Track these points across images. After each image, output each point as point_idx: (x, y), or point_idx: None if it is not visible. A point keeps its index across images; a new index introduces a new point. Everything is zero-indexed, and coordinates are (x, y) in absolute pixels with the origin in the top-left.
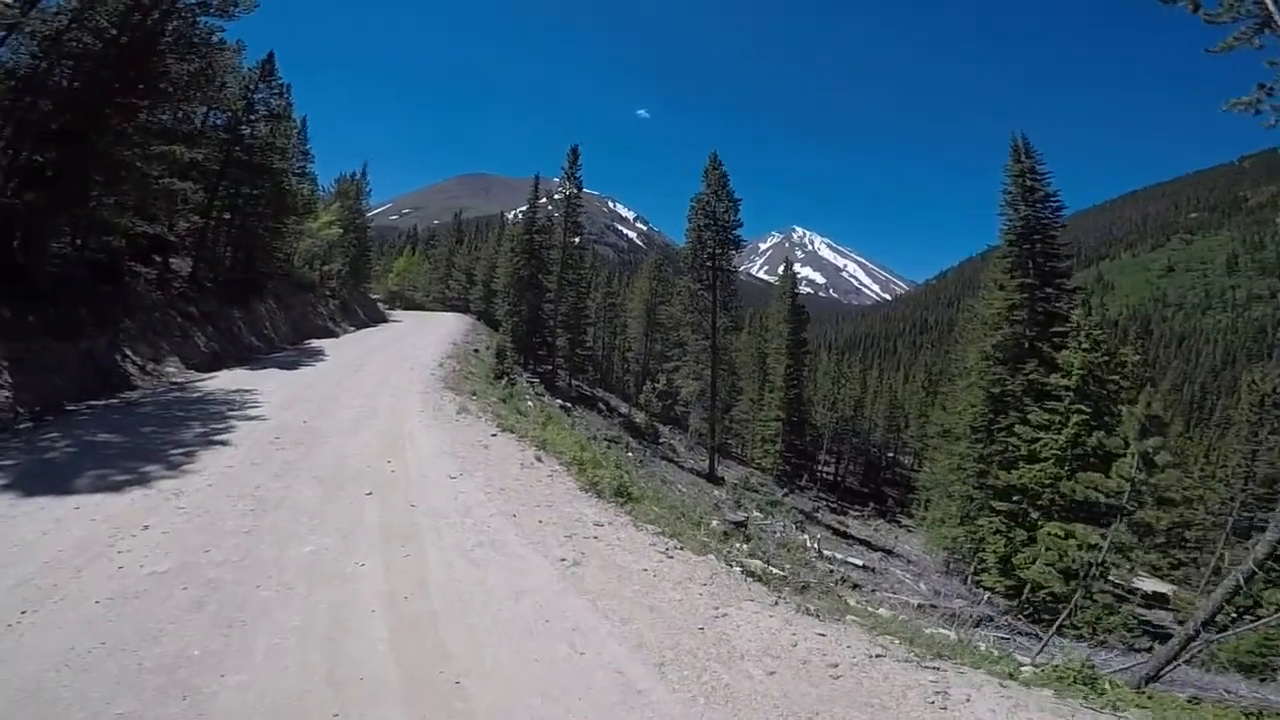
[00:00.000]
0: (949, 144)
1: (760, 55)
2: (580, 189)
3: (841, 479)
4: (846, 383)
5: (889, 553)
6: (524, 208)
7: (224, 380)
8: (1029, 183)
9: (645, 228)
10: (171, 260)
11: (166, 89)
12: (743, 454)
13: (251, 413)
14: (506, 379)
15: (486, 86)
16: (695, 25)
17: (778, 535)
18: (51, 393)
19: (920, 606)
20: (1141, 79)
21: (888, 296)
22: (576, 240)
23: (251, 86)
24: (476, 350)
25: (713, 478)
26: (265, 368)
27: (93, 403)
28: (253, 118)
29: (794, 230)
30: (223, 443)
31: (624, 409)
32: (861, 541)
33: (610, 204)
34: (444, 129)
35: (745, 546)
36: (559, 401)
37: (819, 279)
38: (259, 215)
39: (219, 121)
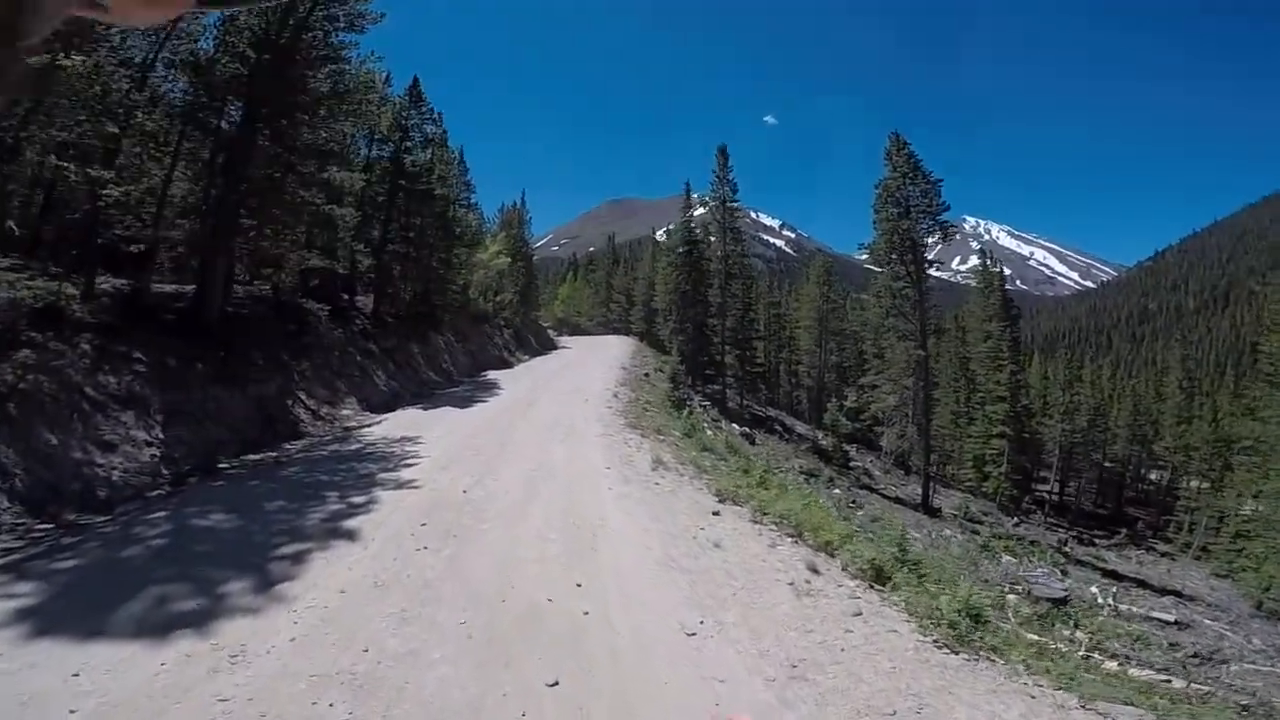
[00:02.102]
0: (1142, 114)
1: (889, 39)
2: (735, 191)
3: (1073, 501)
4: (1082, 387)
5: (1178, 595)
6: (672, 225)
7: (393, 424)
8: None
9: (793, 235)
10: (358, 298)
11: (305, 100)
12: (943, 474)
13: (405, 473)
14: (686, 408)
15: (623, 113)
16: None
17: (1102, 611)
18: (208, 447)
19: None
20: None
21: (1090, 284)
22: (738, 248)
23: (404, 113)
24: (647, 374)
25: (928, 509)
26: (439, 405)
27: (250, 457)
28: (409, 144)
29: (964, 221)
30: (351, 534)
31: (801, 429)
32: (1136, 581)
33: (753, 214)
34: (586, 158)
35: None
36: (735, 427)
37: (993, 270)
38: (430, 245)
39: (383, 154)
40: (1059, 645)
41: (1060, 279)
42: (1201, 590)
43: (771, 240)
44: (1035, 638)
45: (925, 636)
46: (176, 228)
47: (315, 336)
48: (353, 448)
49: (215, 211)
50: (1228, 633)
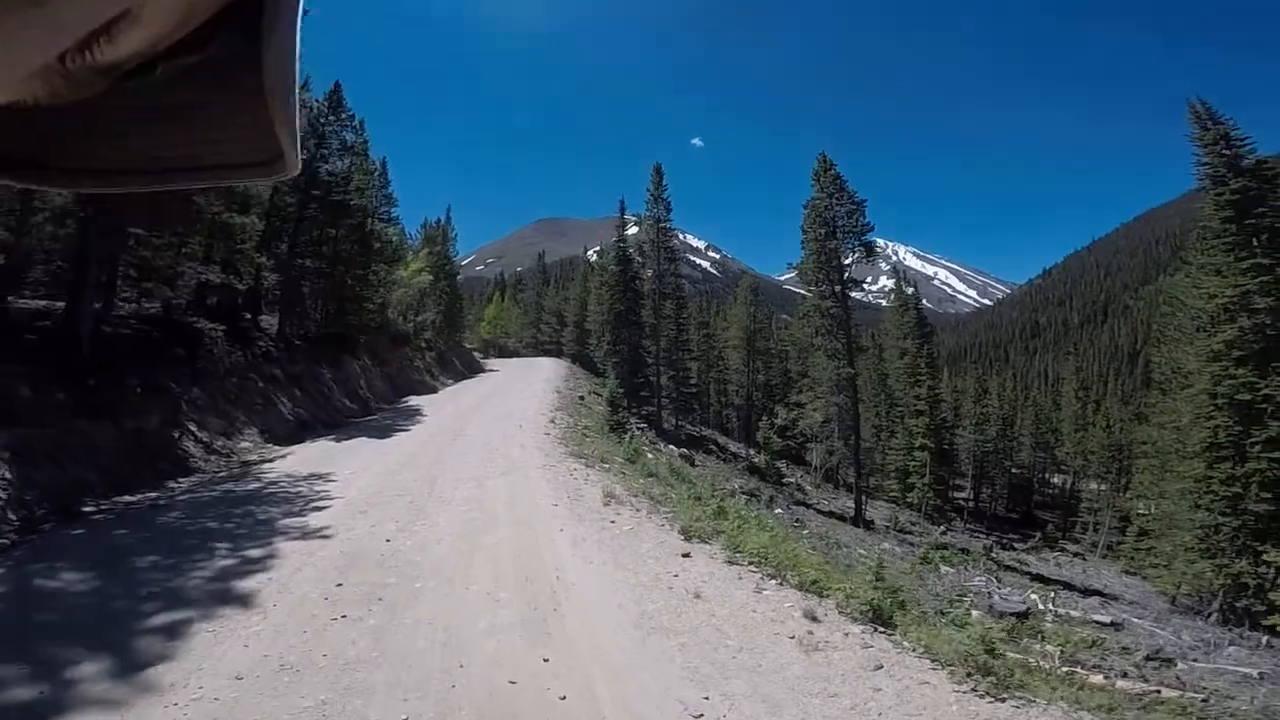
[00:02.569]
0: (1034, 136)
1: (806, 70)
2: (669, 210)
3: (987, 506)
4: (990, 400)
5: (1100, 594)
6: (602, 245)
7: (301, 458)
8: (1229, 149)
9: (718, 256)
10: (262, 317)
11: None
12: (868, 486)
13: (315, 519)
14: (626, 433)
15: (549, 132)
16: (741, 42)
17: (1045, 618)
18: (67, 489)
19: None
20: (1253, 48)
21: (988, 301)
22: (671, 268)
23: (320, 118)
24: (582, 397)
25: (860, 521)
26: (355, 436)
27: (124, 499)
28: (325, 152)
29: (874, 242)
30: (246, 598)
31: (733, 447)
32: (1061, 584)
33: (680, 234)
34: (514, 178)
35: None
36: (673, 448)
37: (906, 290)
38: (345, 260)
39: None
40: (1039, 662)
41: (960, 297)
42: (1117, 588)
43: (698, 261)
44: (1018, 656)
45: (961, 686)
46: (45, 235)
47: (210, 361)
48: (250, 487)
49: (93, 217)
50: (1158, 631)
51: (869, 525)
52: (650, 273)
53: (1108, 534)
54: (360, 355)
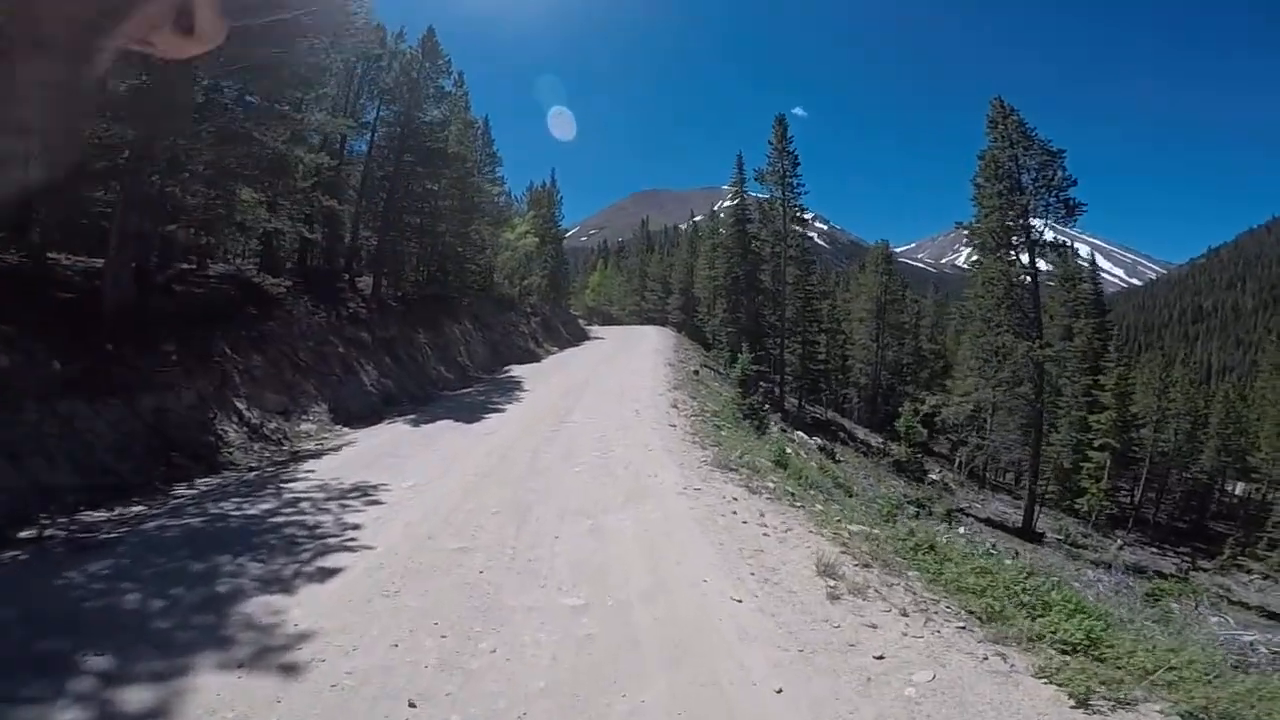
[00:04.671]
0: (1193, 113)
1: (935, 31)
2: (796, 164)
3: (1150, 514)
4: (1175, 394)
5: None
6: (699, 217)
7: (361, 450)
8: None
9: (826, 227)
10: (359, 279)
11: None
12: (1013, 485)
13: (300, 612)
14: (759, 420)
15: (650, 105)
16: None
17: None
18: (19, 501)
19: None
20: None
21: (1137, 281)
22: (799, 229)
23: (414, 66)
24: (696, 371)
25: (1029, 534)
26: (440, 416)
27: (93, 515)
28: (420, 98)
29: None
30: None
31: (860, 434)
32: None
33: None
34: (613, 151)
35: None
36: (802, 436)
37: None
38: (444, 215)
39: (386, 114)
40: None
41: (1106, 276)
42: None
43: (805, 233)
44: None
45: None
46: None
47: (283, 323)
48: (261, 507)
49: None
50: None
51: (1039, 538)
52: (775, 233)
53: None
54: (461, 319)
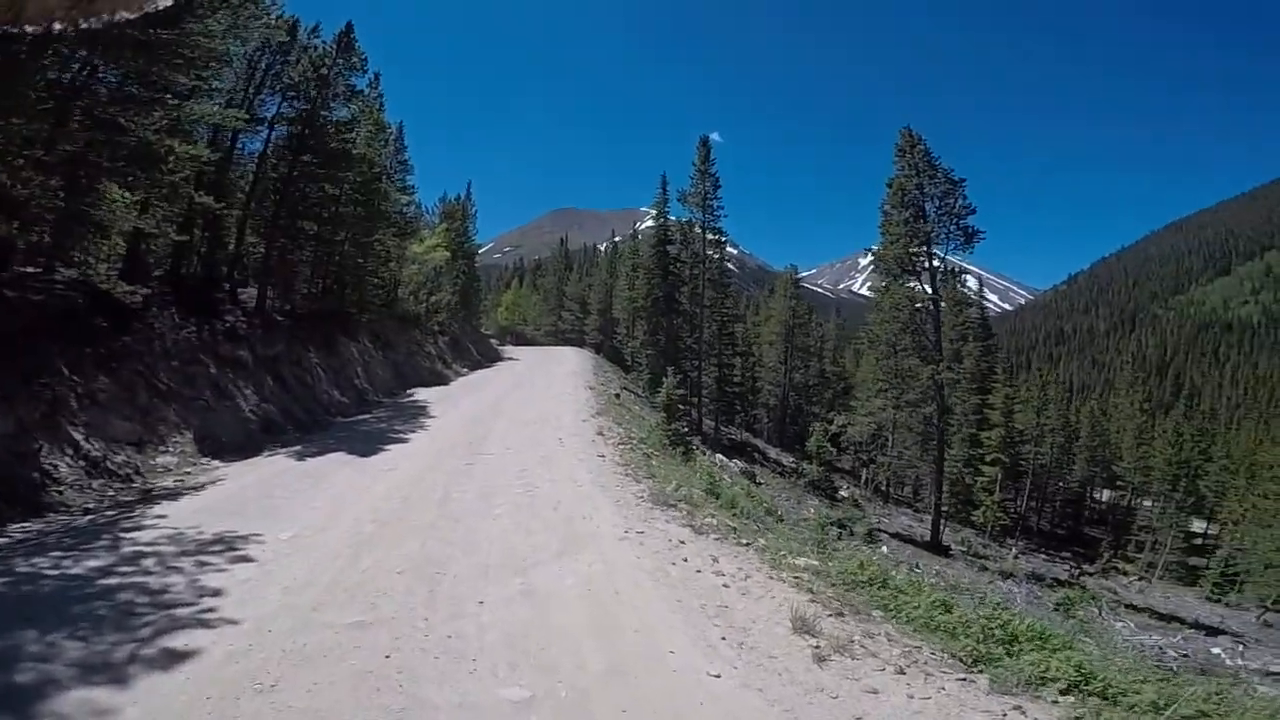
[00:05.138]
0: (1061, 141)
1: (821, 67)
2: (717, 186)
3: (1034, 523)
4: (1049, 412)
5: (1222, 632)
6: (619, 237)
7: (232, 489)
8: None
9: (735, 251)
10: (243, 290)
11: None
12: (912, 500)
13: (184, 670)
14: (683, 446)
15: (564, 121)
16: (761, 34)
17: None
18: None
19: None
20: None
21: (1008, 306)
22: (718, 253)
23: (325, 61)
24: (617, 395)
25: (937, 547)
26: (332, 448)
27: None
28: (329, 96)
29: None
30: None
31: (773, 454)
32: (1166, 617)
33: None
34: (531, 167)
35: None
36: (722, 459)
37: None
38: (345, 221)
39: (288, 111)
40: None
41: (983, 301)
42: (1219, 620)
43: (724, 256)
44: None
45: None
46: None
47: (141, 338)
48: (92, 563)
49: None
50: None
51: (944, 551)
52: (692, 256)
53: (1167, 554)
54: (360, 337)
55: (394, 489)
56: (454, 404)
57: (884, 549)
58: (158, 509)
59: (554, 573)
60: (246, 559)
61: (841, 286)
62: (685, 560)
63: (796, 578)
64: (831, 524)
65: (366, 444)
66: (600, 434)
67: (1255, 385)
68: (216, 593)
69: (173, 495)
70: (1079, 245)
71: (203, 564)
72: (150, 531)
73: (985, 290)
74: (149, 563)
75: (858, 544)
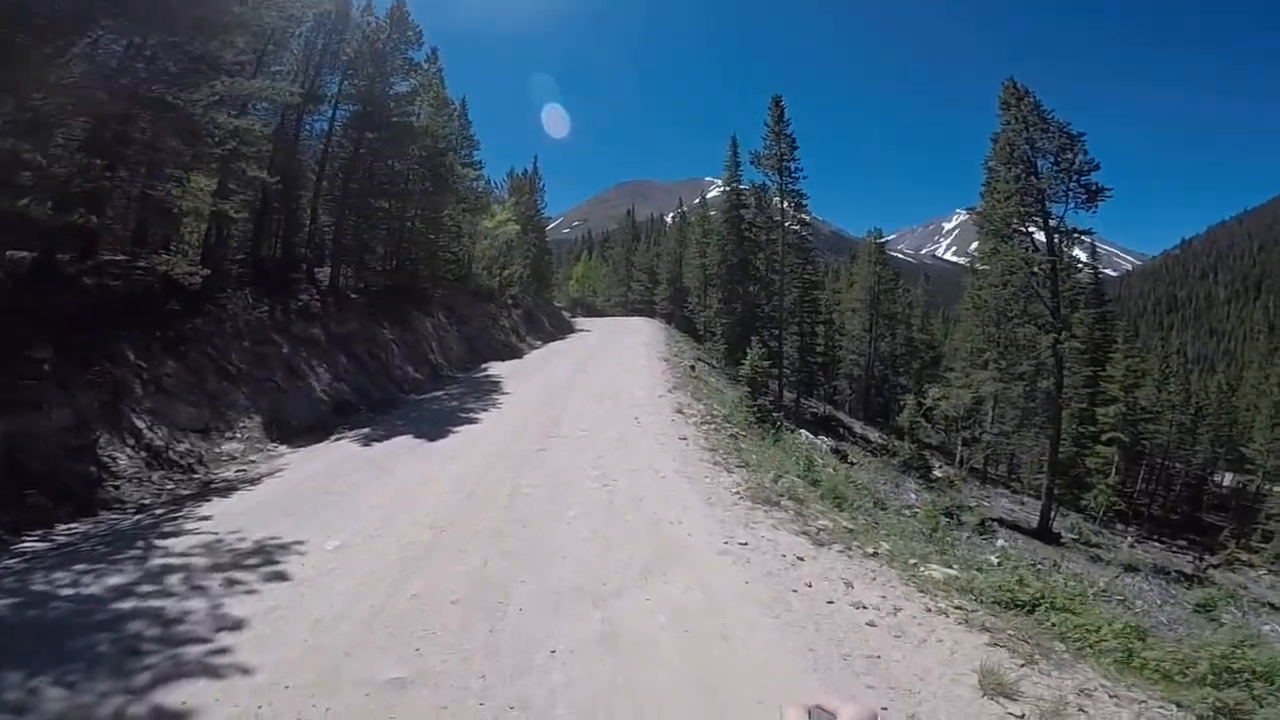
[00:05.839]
0: (1165, 104)
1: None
2: (794, 146)
3: (1144, 507)
4: (1173, 387)
5: None
6: (685, 209)
7: (291, 481)
8: None
9: (808, 218)
10: (318, 270)
11: None
12: (1008, 479)
13: None
14: (772, 425)
15: (634, 94)
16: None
17: None
18: None
19: None
20: None
21: (1111, 273)
22: (797, 215)
23: (379, 35)
24: (692, 366)
25: (1047, 534)
26: (399, 431)
27: None
28: (386, 70)
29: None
30: None
31: (858, 429)
32: None
33: (775, 191)
34: (596, 142)
35: None
36: (808, 435)
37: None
38: (412, 197)
39: (349, 89)
40: None
41: (1083, 268)
42: None
43: (804, 218)
44: None
45: None
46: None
47: (212, 320)
48: (113, 580)
49: None
50: None
51: (1055, 539)
52: (772, 219)
53: None
54: (434, 312)
55: (459, 482)
56: (527, 378)
57: (1000, 541)
58: (207, 507)
59: (641, 604)
60: (282, 577)
61: (924, 251)
62: (809, 585)
63: (958, 607)
64: (940, 512)
65: (435, 425)
66: (679, 411)
67: None
68: (238, 625)
69: (228, 489)
70: (1194, 213)
71: (232, 583)
72: (189, 538)
73: (1083, 255)
74: (174, 580)
75: (969, 535)
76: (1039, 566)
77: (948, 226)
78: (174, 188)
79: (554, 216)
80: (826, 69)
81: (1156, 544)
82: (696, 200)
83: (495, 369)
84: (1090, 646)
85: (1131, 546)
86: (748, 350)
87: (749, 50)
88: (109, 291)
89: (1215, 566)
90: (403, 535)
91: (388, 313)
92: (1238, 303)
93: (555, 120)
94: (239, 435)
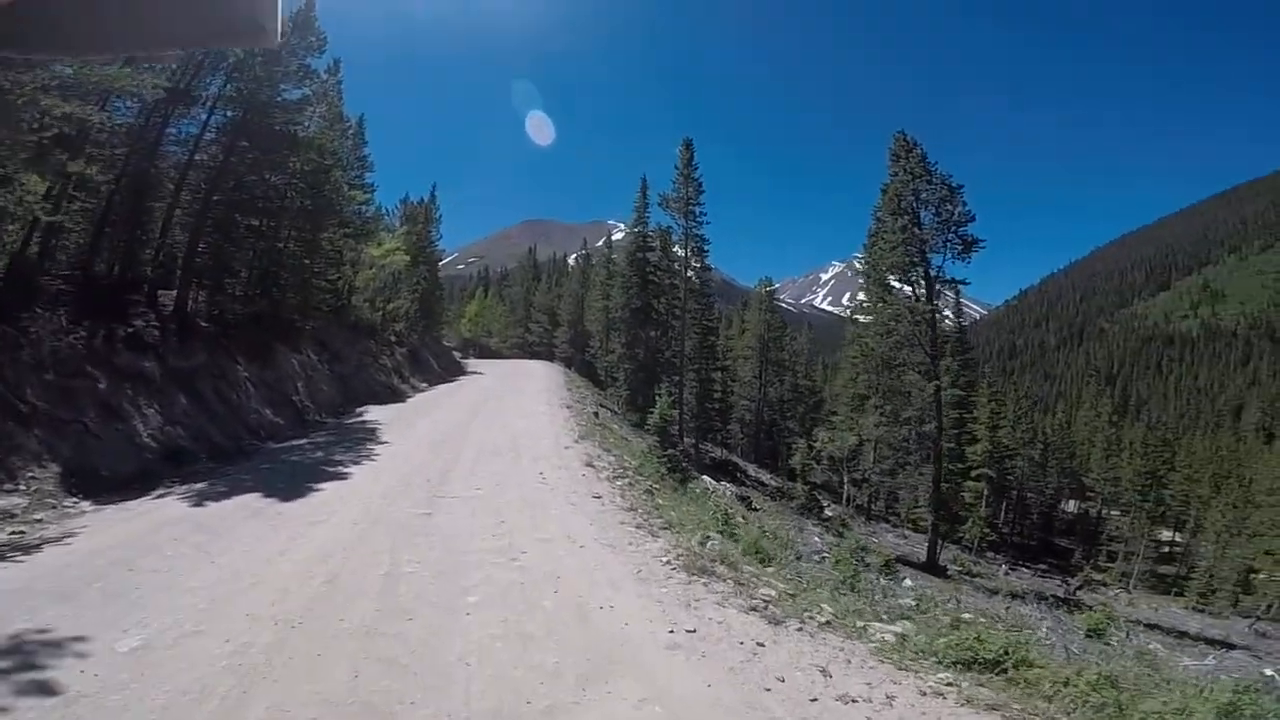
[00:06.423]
0: (1010, 152)
1: (774, 85)
2: (700, 190)
3: (1005, 535)
4: (1028, 424)
5: (1222, 644)
6: (587, 250)
7: (77, 553)
8: None
9: (708, 263)
10: (161, 292)
11: None
12: (886, 515)
13: None
14: (680, 473)
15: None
16: (723, 48)
17: None
18: None
19: None
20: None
21: (964, 321)
22: (700, 261)
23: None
24: (596, 414)
25: (934, 568)
26: (240, 488)
27: None
28: (278, 72)
29: (855, 258)
30: None
31: (753, 471)
32: (1171, 632)
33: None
34: (496, 177)
35: None
36: (711, 481)
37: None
38: (286, 214)
39: (230, 91)
40: None
41: (961, 311)
42: (1211, 630)
43: (705, 264)
44: None
45: None
46: None
47: (5, 344)
48: None
49: None
50: None
51: (940, 571)
52: (667, 265)
53: (1140, 563)
54: (303, 347)
55: (318, 557)
56: (410, 425)
57: (907, 580)
58: None
59: None
60: (46, 690)
61: (804, 301)
62: (782, 681)
63: (950, 684)
64: (851, 558)
65: (293, 481)
66: (589, 464)
67: (1198, 396)
68: None
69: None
70: (1032, 260)
71: None
72: None
73: (941, 304)
74: None
75: (876, 577)
76: (946, 604)
77: (824, 277)
78: None
79: (450, 251)
80: (733, 117)
81: (1025, 569)
82: (600, 242)
83: (374, 413)
84: (1076, 703)
85: (1006, 574)
86: (656, 397)
87: (661, 92)
88: None
89: (1079, 588)
90: (235, 632)
91: (246, 345)
92: (1065, 349)
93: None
94: (24, 488)
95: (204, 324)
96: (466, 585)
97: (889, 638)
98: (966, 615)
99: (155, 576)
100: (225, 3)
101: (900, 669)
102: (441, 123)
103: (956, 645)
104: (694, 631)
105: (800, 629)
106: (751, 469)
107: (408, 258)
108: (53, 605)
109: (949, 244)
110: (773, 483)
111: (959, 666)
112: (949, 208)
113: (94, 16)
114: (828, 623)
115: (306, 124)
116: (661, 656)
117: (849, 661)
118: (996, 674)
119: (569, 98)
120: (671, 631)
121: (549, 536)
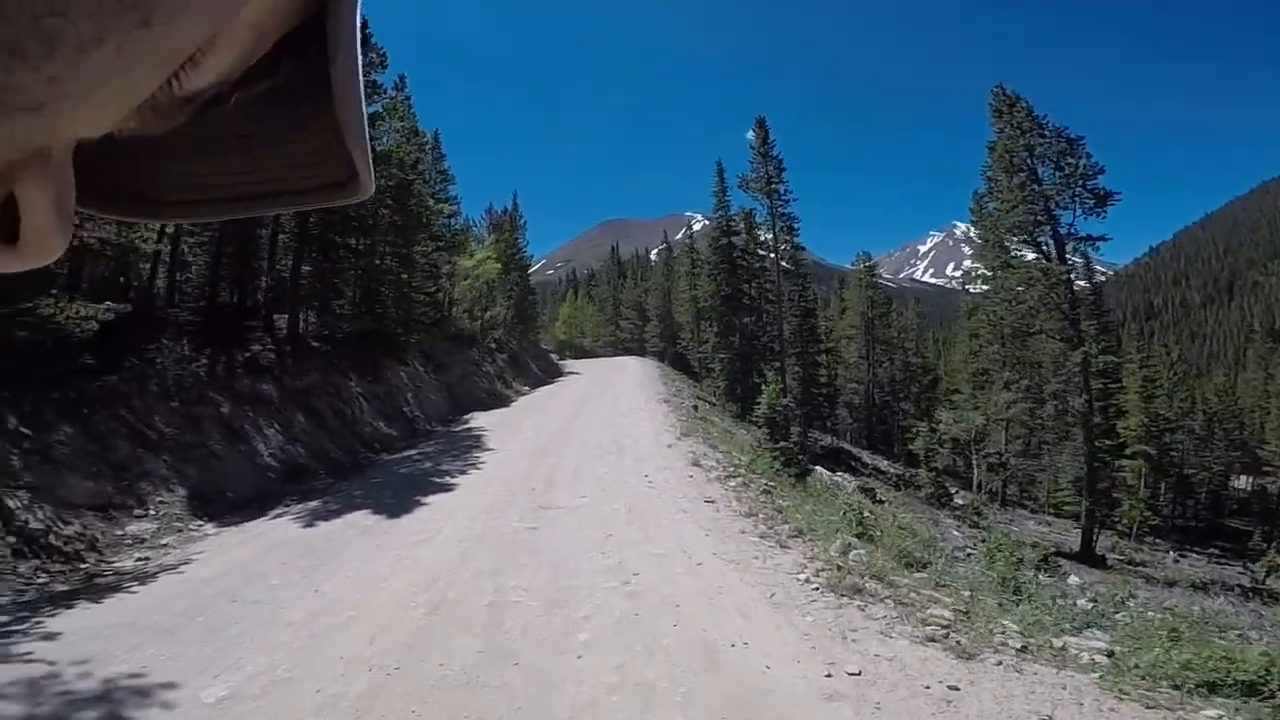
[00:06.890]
0: (1134, 115)
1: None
2: (781, 169)
3: (1168, 517)
4: (1187, 395)
5: None
6: (662, 245)
7: (185, 583)
8: None
9: (800, 241)
10: (278, 317)
11: None
12: (1021, 500)
13: None
14: (798, 467)
15: (609, 135)
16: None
17: None
18: None
19: None
20: None
21: (1085, 284)
22: (790, 239)
23: None
24: (695, 407)
25: (1091, 558)
26: (351, 505)
27: None
28: None
29: (955, 226)
30: None
31: (868, 458)
32: None
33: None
34: (574, 180)
35: None
36: (826, 473)
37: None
38: (377, 230)
39: None
40: None
41: (1092, 269)
42: None
43: (796, 242)
44: None
45: None
46: None
47: (131, 376)
48: None
49: None
50: None
51: (1103, 562)
52: (755, 247)
53: None
54: (409, 360)
55: (421, 583)
56: (514, 430)
57: (1072, 578)
58: (65, 616)
59: None
60: None
61: (903, 275)
62: None
63: None
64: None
65: (402, 494)
66: (696, 464)
67: None
68: None
69: (112, 587)
70: (1160, 219)
71: None
72: (3, 671)
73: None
74: None
75: (1034, 574)
76: (1126, 603)
77: (923, 249)
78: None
79: (537, 257)
80: (802, 102)
81: (1195, 554)
82: (680, 234)
83: (479, 419)
84: None
85: (1175, 562)
86: (760, 385)
87: (723, 78)
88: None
89: (1268, 575)
90: (327, 679)
91: (355, 362)
92: (1213, 306)
93: None
94: (153, 512)
95: (315, 344)
96: (576, 618)
97: (1098, 658)
98: (1155, 617)
99: (257, 609)
100: (322, 159)
101: (1149, 707)
102: (514, 128)
103: (1199, 666)
104: (859, 674)
105: (999, 662)
106: (865, 456)
107: (499, 265)
108: (154, 642)
109: (1078, 199)
110: (892, 470)
111: (1203, 692)
112: (1070, 160)
113: (188, 185)
114: (1023, 648)
115: (383, 138)
116: (822, 712)
117: (1079, 703)
118: (1262, 701)
119: (633, 81)
120: (829, 675)
121: (662, 551)
